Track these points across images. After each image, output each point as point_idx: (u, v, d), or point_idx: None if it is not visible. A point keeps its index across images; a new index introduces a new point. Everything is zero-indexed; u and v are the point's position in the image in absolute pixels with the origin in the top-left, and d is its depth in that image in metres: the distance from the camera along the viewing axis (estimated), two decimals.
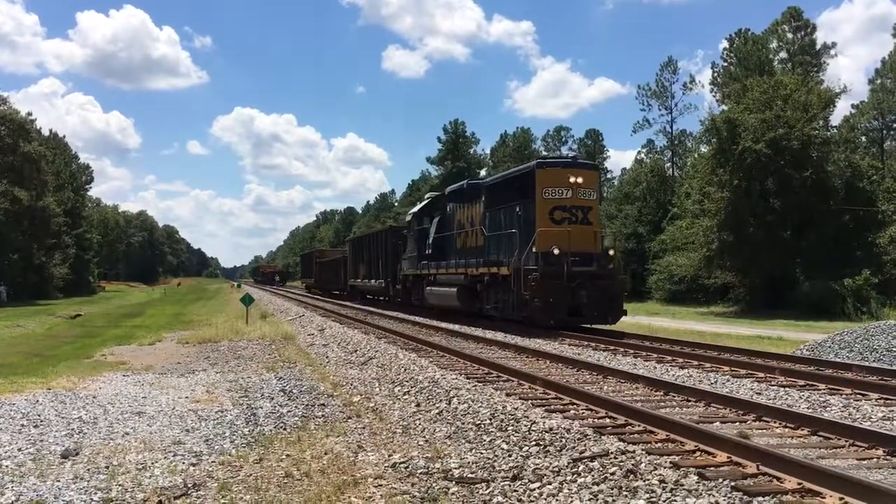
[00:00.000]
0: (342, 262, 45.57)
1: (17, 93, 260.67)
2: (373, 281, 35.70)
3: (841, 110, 57.79)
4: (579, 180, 18.15)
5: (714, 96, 51.79)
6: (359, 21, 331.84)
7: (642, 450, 6.22)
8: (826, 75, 48.50)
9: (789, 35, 50.10)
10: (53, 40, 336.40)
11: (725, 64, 51.46)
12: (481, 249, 21.09)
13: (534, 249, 17.74)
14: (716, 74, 52.13)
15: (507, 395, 9.29)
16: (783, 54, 50.03)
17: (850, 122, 51.89)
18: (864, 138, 53.13)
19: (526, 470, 5.88)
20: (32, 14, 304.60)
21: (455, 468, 6.10)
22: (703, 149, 43.10)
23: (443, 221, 25.29)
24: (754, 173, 33.35)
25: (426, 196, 29.19)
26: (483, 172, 79.63)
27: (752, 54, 48.42)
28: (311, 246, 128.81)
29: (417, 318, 24.08)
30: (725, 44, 51.30)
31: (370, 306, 33.93)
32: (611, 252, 19.27)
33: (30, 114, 64.81)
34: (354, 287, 40.84)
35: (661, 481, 5.35)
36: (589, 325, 18.44)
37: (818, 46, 50.51)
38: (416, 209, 29.09)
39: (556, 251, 17.47)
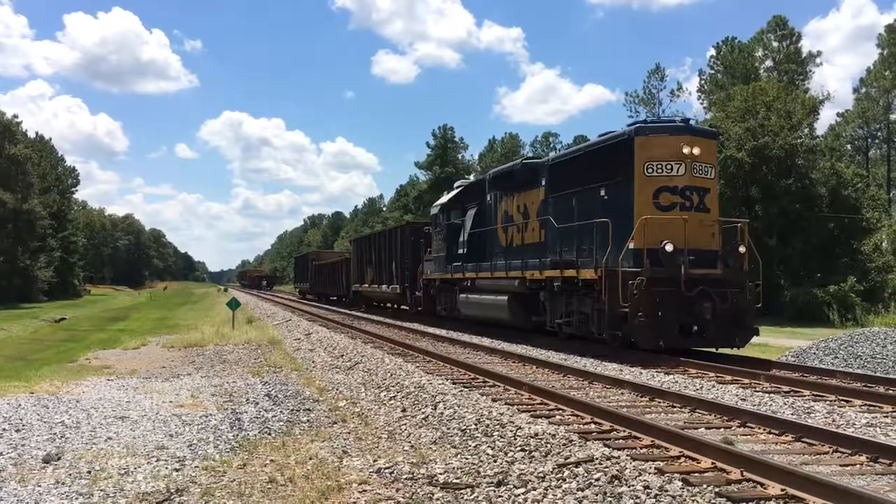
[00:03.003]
0: (343, 266, 41.07)
1: (5, 95, 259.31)
2: (384, 286, 30.71)
3: (826, 119, 58.41)
4: (695, 151, 13.59)
5: (701, 104, 52.16)
6: (349, 26, 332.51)
7: (627, 455, 6.22)
8: (811, 84, 48.98)
9: (775, 44, 50.56)
10: (42, 42, 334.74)
11: (712, 72, 51.82)
12: (540, 247, 16.84)
13: (631, 245, 13.35)
14: (703, 82, 52.48)
15: (493, 400, 9.28)
16: (769, 63, 50.46)
17: (836, 131, 52.43)
18: (849, 146, 53.66)
19: (511, 475, 5.88)
20: (21, 16, 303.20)
21: (440, 474, 6.09)
22: None
23: (481, 214, 20.86)
24: (738, 182, 33.58)
25: (455, 185, 24.62)
26: (472, 178, 79.81)
27: (738, 62, 48.80)
28: (298, 250, 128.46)
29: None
30: (713, 52, 51.69)
31: (380, 315, 29.82)
32: (741, 249, 14.08)
33: (16, 116, 64.58)
34: (359, 293, 36.29)
35: (646, 487, 5.36)
36: (705, 350, 13.95)
37: (804, 55, 50.97)
38: (443, 200, 23.91)
39: (668, 248, 13.09)
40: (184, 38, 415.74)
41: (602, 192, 14.69)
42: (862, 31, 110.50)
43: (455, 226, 22.37)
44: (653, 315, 12.85)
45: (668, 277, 12.94)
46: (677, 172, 13.60)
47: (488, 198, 20.35)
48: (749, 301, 13.74)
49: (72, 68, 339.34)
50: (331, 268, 45.69)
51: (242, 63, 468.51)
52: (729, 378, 11.00)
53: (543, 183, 17.02)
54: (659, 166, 13.62)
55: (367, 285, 33.93)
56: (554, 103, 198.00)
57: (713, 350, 13.73)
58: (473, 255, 20.63)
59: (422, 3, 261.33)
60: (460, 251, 21.68)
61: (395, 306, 31.97)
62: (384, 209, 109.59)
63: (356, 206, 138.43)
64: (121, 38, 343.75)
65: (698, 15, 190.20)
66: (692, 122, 15.49)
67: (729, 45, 50.58)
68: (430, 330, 21.05)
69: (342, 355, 15.47)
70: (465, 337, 18.52)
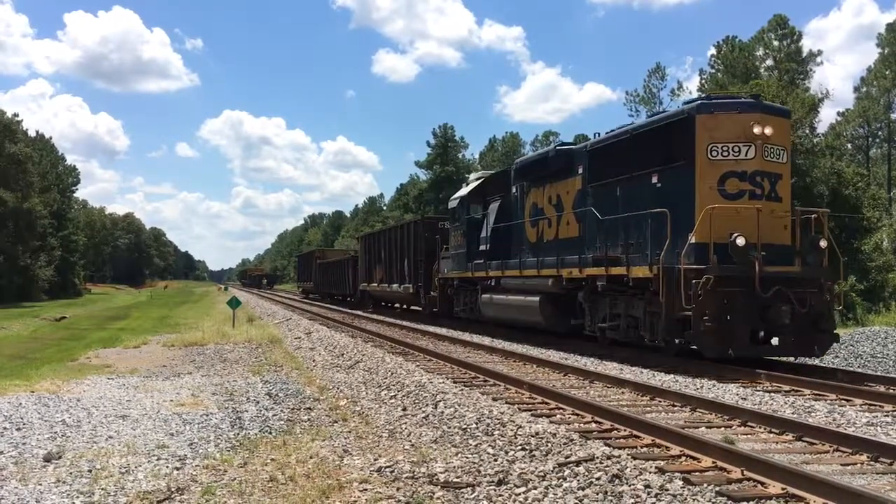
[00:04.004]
0: (349, 264, 39.56)
1: (5, 94, 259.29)
2: (394, 286, 28.95)
3: (827, 118, 58.36)
4: (767, 131, 11.96)
5: None
6: (350, 25, 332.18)
7: (628, 454, 6.23)
8: (812, 83, 48.98)
9: (775, 43, 50.55)
10: (43, 41, 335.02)
11: (713, 71, 51.80)
12: (577, 242, 15.26)
13: (693, 239, 11.69)
14: (703, 81, 52.45)
15: (494, 399, 9.29)
16: (769, 62, 50.45)
17: (836, 130, 52.38)
18: (849, 146, 53.65)
19: (511, 474, 5.88)
20: (21, 15, 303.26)
21: (440, 472, 6.09)
22: None
23: (506, 207, 19.22)
24: None
25: (475, 176, 22.92)
26: (472, 176, 79.77)
27: (738, 61, 48.77)
28: (299, 249, 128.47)
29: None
30: (713, 51, 51.69)
31: (386, 315, 28.71)
32: (822, 244, 12.36)
33: (16, 115, 64.56)
34: (367, 293, 34.81)
35: (647, 486, 5.36)
36: (780, 358, 12.54)
37: (804, 54, 50.98)
38: (462, 193, 22.30)
39: (740, 241, 11.38)
40: (185, 37, 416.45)
41: (654, 180, 13.08)
42: (863, 30, 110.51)
43: (476, 220, 20.72)
44: (720, 319, 11.21)
45: (739, 276, 11.32)
46: (746, 156, 11.95)
47: (514, 189, 18.77)
48: (828, 302, 12.18)
49: (72, 67, 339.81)
50: (336, 266, 44.28)
51: (243, 62, 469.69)
52: (729, 377, 10.98)
53: (580, 171, 15.39)
54: (725, 148, 11.97)
55: (375, 284, 32.47)
56: (555, 102, 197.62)
57: (790, 360, 12.35)
58: (497, 251, 19.01)
59: (422, 1, 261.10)
60: (482, 248, 20.00)
61: (406, 307, 30.62)
62: (385, 208, 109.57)
63: (357, 205, 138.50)
64: (121, 37, 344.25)
65: (699, 14, 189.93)
66: (764, 100, 13.78)
67: (729, 44, 50.56)
68: (432, 329, 21.01)
69: (343, 354, 15.47)
70: (466, 336, 18.51)
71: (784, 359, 12.47)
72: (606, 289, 13.67)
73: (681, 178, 12.41)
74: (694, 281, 11.31)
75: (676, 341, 12.16)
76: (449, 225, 23.19)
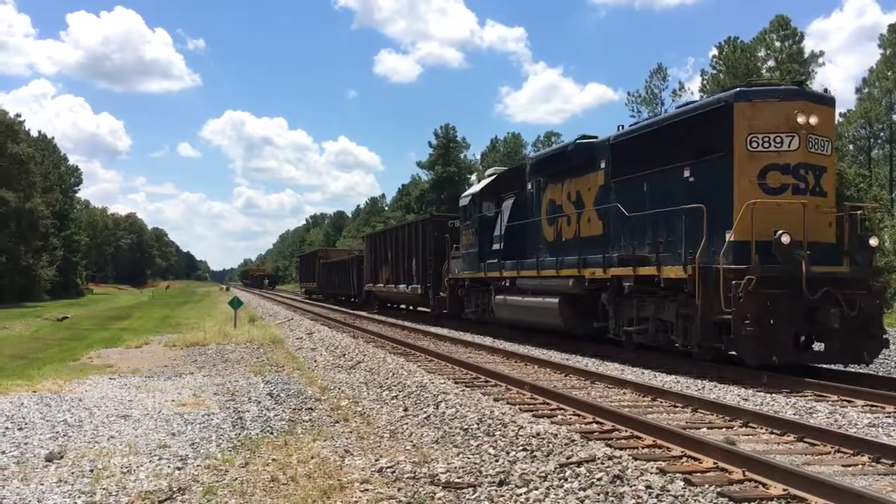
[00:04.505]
0: (353, 264, 38.72)
1: (8, 94, 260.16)
2: (401, 286, 28.24)
3: None
4: (812, 121, 11.18)
5: None
6: (352, 25, 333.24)
7: (629, 455, 6.23)
8: (814, 84, 48.90)
9: (777, 43, 50.53)
10: (45, 41, 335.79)
11: (714, 71, 51.77)
12: (600, 240, 14.53)
13: (732, 237, 10.94)
14: (705, 82, 52.44)
15: (495, 399, 9.29)
16: (771, 62, 50.41)
17: (838, 131, 52.28)
18: (851, 146, 53.58)
19: (513, 475, 5.88)
20: (24, 15, 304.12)
21: (442, 473, 6.09)
22: None
23: (521, 204, 18.38)
24: None
25: (488, 173, 21.87)
26: (473, 177, 79.87)
27: (740, 62, 48.74)
28: (300, 249, 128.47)
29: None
30: (715, 51, 51.67)
31: (391, 317, 28.03)
32: (872, 242, 11.50)
33: (18, 115, 64.62)
34: (372, 294, 34.03)
35: (648, 487, 5.36)
36: (828, 366, 11.53)
37: (806, 55, 50.94)
38: (474, 189, 21.42)
39: (785, 239, 10.57)
40: (187, 38, 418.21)
41: (686, 174, 12.26)
42: (865, 31, 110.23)
43: (488, 218, 19.84)
44: (763, 323, 10.35)
45: (784, 277, 10.49)
46: (789, 147, 11.16)
47: (529, 186, 17.96)
48: (877, 305, 11.32)
49: (74, 67, 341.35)
50: (340, 266, 43.39)
51: (245, 62, 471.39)
52: (731, 378, 10.98)
53: (603, 165, 14.62)
54: (766, 139, 11.18)
55: (381, 285, 31.66)
56: (556, 102, 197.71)
57: (837, 367, 11.48)
58: (511, 251, 18.22)
59: (424, 2, 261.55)
60: (495, 247, 19.17)
61: (412, 308, 29.80)
62: (386, 208, 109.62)
63: (358, 206, 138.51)
64: (124, 38, 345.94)
65: (701, 14, 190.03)
66: (807, 88, 12.68)
67: (731, 44, 50.53)
68: (433, 329, 20.95)
69: (344, 354, 15.48)
70: (468, 336, 18.50)
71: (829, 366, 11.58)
72: (633, 290, 12.95)
73: (716, 172, 11.61)
74: (734, 282, 10.55)
75: (715, 347, 11.29)
76: (460, 223, 22.30)
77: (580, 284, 14.63)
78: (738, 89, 11.71)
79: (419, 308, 28.41)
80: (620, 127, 14.74)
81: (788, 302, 10.49)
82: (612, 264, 13.48)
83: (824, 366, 11.48)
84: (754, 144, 11.22)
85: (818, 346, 11.43)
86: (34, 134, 76.07)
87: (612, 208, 14.12)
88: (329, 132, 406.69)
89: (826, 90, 44.37)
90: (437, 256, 24.27)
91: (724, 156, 11.47)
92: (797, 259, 10.52)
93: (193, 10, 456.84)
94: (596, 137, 15.57)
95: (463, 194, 22.93)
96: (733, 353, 11.23)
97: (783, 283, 10.52)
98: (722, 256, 10.80)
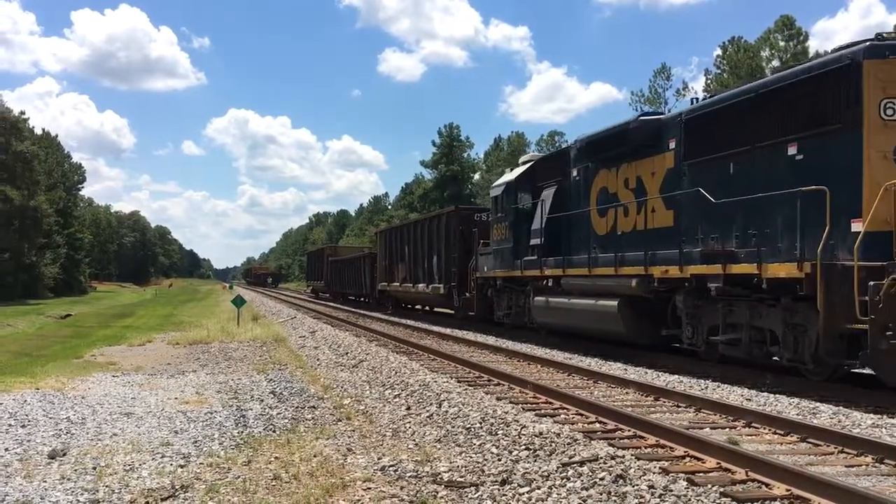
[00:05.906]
0: (365, 261, 36.54)
1: (12, 92, 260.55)
2: (420, 286, 25.87)
3: None
4: None
5: None
6: (356, 24, 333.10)
7: (632, 455, 6.22)
8: None
9: (782, 43, 50.41)
10: (50, 39, 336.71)
11: (718, 71, 51.68)
12: (669, 233, 12.41)
13: (862, 228, 8.89)
14: (709, 81, 52.34)
15: (498, 398, 9.29)
16: (776, 62, 50.31)
17: None
18: None
19: (515, 474, 5.87)
20: (29, 13, 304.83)
21: (444, 472, 6.09)
22: None
23: (564, 193, 16.19)
24: None
25: (523, 160, 19.83)
26: (477, 176, 79.85)
27: (744, 62, 48.66)
28: (304, 248, 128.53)
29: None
30: (719, 51, 51.59)
31: (398, 317, 26.15)
32: None
33: (22, 112, 64.67)
34: (386, 293, 31.97)
35: (650, 487, 5.35)
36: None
37: (811, 55, 50.80)
38: (508, 178, 19.15)
39: None
40: (192, 36, 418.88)
41: (792, 150, 10.12)
42: (870, 31, 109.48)
43: (525, 210, 17.68)
44: None
45: None
46: None
47: (574, 173, 15.81)
48: None
49: (79, 65, 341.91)
50: (350, 264, 40.94)
51: (249, 61, 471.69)
52: (734, 378, 10.95)
53: (673, 145, 12.55)
54: None
55: (397, 284, 29.42)
56: (560, 102, 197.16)
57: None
58: (553, 246, 16.09)
59: (429, 1, 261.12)
60: (534, 242, 16.89)
61: (431, 309, 27.85)
62: (389, 207, 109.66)
63: (361, 205, 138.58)
64: (128, 36, 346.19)
65: (705, 14, 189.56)
66: None
67: (735, 44, 50.45)
68: (436, 329, 20.85)
69: (347, 353, 15.49)
70: (470, 336, 18.48)
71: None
72: (721, 292, 10.88)
73: (836, 147, 9.49)
74: (872, 283, 8.40)
75: (839, 364, 9.40)
76: (490, 216, 20.11)
77: (646, 285, 12.57)
78: (870, 43, 9.35)
79: (441, 310, 26.41)
80: (694, 101, 13.14)
81: None
82: (692, 261, 11.39)
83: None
84: (889, 112, 9.12)
85: None
86: (38, 131, 76.17)
87: (687, 195, 12.00)
88: (333, 131, 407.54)
89: None
90: (462, 253, 22.34)
91: (846, 127, 9.36)
92: None
93: (198, 8, 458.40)
94: (662, 114, 14.06)
95: (494, 184, 20.75)
96: (863, 370, 9.38)
97: None
98: (855, 251, 8.66)
